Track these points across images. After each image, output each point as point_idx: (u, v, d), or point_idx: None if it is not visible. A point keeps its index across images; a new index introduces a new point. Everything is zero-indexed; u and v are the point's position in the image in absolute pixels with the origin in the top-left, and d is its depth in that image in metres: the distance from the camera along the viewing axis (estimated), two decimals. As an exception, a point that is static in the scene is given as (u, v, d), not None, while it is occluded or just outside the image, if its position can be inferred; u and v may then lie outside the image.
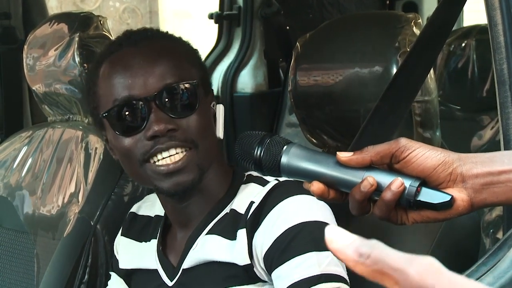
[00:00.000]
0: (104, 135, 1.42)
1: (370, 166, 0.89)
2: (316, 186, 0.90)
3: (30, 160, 2.05)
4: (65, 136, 2.00)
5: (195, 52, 1.44)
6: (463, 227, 1.39)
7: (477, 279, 0.88)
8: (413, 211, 0.88)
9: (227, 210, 1.35)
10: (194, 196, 1.35)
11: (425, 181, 0.87)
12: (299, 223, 1.24)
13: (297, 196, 1.27)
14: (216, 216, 1.35)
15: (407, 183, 0.86)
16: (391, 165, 0.89)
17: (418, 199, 0.86)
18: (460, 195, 0.86)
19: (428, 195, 0.86)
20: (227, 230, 1.31)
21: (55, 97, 2.01)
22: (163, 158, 1.29)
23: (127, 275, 1.49)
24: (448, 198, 0.85)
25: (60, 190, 1.93)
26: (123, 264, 1.50)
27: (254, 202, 1.30)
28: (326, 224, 1.25)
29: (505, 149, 1.01)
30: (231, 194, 1.36)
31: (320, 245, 1.22)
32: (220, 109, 1.42)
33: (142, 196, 1.81)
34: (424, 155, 0.87)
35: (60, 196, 1.93)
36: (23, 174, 2.04)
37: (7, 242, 2.01)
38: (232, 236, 1.30)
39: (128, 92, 1.31)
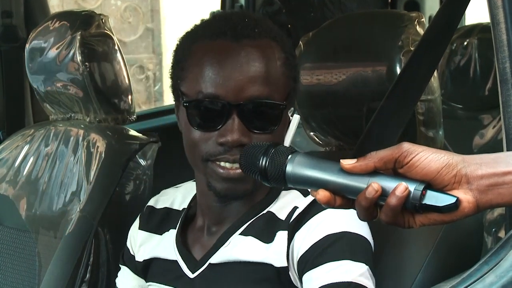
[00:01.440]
0: (176, 104, 1.38)
1: (374, 172, 0.89)
2: (322, 194, 0.90)
3: (31, 159, 2.05)
4: (67, 135, 2.00)
5: (294, 58, 1.38)
6: (466, 226, 1.39)
7: (479, 278, 0.88)
8: (420, 214, 0.88)
9: (264, 212, 1.34)
10: (235, 199, 1.35)
11: (430, 184, 0.87)
12: (340, 232, 1.24)
13: None
14: (252, 218, 1.34)
15: (412, 187, 0.86)
16: (395, 169, 0.89)
17: (423, 202, 0.86)
18: (465, 196, 0.86)
19: (433, 198, 0.86)
20: (263, 232, 1.31)
21: (56, 95, 2.01)
22: (225, 166, 1.28)
23: (146, 264, 1.48)
24: (453, 200, 0.85)
25: (61, 189, 1.94)
26: (140, 257, 1.49)
27: (297, 208, 1.29)
28: (365, 239, 1.26)
29: (508, 148, 1.00)
30: (271, 198, 1.35)
31: (356, 256, 1.22)
32: (295, 120, 1.39)
33: (143, 195, 1.82)
34: (428, 158, 0.86)
35: (61, 194, 1.93)
36: (24, 173, 2.04)
37: (9, 240, 2.01)
38: (268, 239, 1.29)
39: (215, 90, 1.27)
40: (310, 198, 1.29)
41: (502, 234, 2.16)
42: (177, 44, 1.39)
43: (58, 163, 1.98)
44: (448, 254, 1.33)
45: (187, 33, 1.37)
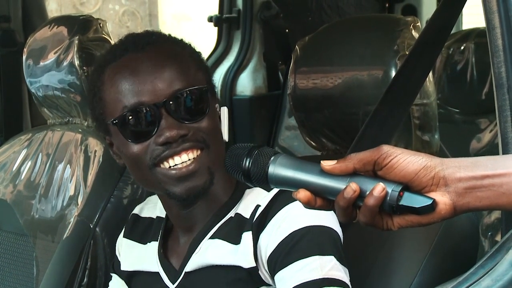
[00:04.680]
0: (108, 140, 1.41)
1: (354, 173, 0.90)
2: (303, 193, 0.91)
3: (29, 163, 2.05)
4: (65, 139, 2.00)
5: (199, 55, 1.43)
6: (462, 229, 1.39)
7: (475, 281, 0.88)
8: (397, 216, 0.89)
9: (231, 214, 1.35)
10: (200, 201, 1.35)
11: (407, 186, 0.88)
12: (305, 227, 1.24)
13: None
14: (220, 220, 1.35)
15: (390, 188, 0.87)
16: (374, 172, 0.89)
17: (400, 203, 0.87)
18: (442, 198, 0.86)
19: (410, 200, 0.87)
20: (231, 234, 1.31)
21: (54, 100, 2.01)
22: (175, 164, 1.29)
23: (129, 277, 1.49)
24: (429, 201, 0.86)
25: (59, 193, 1.94)
26: (124, 266, 1.50)
27: (260, 206, 1.30)
28: (330, 229, 1.26)
29: (503, 152, 1.01)
30: (236, 198, 1.36)
31: (324, 249, 1.23)
32: (224, 112, 1.42)
33: (141, 199, 1.81)
34: (406, 160, 0.87)
35: (59, 199, 1.93)
36: (22, 177, 2.04)
37: (7, 245, 2.01)
38: (236, 240, 1.30)
39: (138, 98, 1.30)
40: (271, 194, 1.30)
41: (498, 238, 2.16)
42: (88, 84, 1.44)
43: (56, 167, 1.98)
44: (445, 257, 1.34)
45: (93, 70, 1.43)
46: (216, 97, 1.42)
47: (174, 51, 1.37)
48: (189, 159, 1.29)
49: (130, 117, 1.30)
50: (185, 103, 1.31)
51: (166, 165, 1.30)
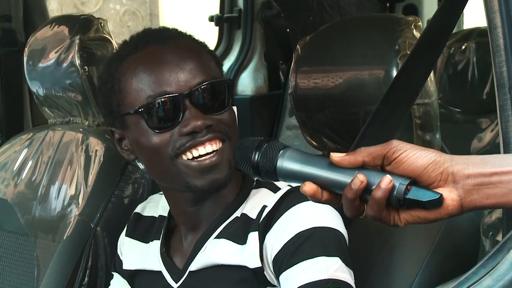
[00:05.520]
0: (118, 134, 1.40)
1: (362, 167, 0.90)
2: (309, 186, 0.92)
3: (30, 163, 2.05)
4: (66, 139, 2.00)
5: (214, 52, 1.46)
6: (463, 229, 1.39)
7: (476, 281, 0.88)
8: (404, 211, 0.89)
9: (237, 214, 1.35)
10: (208, 199, 1.36)
11: (415, 181, 0.88)
12: (310, 228, 1.25)
13: (309, 202, 1.26)
14: (226, 220, 1.35)
15: (397, 182, 0.88)
16: (383, 167, 0.90)
17: (407, 197, 0.87)
18: (450, 194, 0.87)
19: (417, 194, 0.87)
20: (237, 234, 1.32)
21: (55, 99, 2.02)
22: (199, 155, 1.29)
23: (131, 276, 1.49)
24: (437, 196, 0.86)
25: (60, 193, 1.94)
26: (127, 265, 1.50)
27: (266, 206, 1.30)
28: (336, 231, 1.26)
29: (505, 151, 1.01)
30: (242, 198, 1.36)
31: (330, 251, 1.23)
32: (234, 111, 1.43)
33: (142, 198, 1.82)
34: (415, 155, 0.88)
35: (60, 198, 1.93)
36: (23, 177, 2.04)
37: (8, 244, 2.01)
38: (241, 241, 1.30)
39: (163, 88, 1.30)
40: (278, 195, 1.31)
41: (499, 237, 2.16)
42: (102, 76, 1.43)
43: (57, 167, 1.98)
44: (446, 257, 1.34)
45: (109, 62, 1.42)
46: (232, 94, 1.43)
47: (194, 46, 1.39)
48: (212, 150, 1.30)
49: (155, 106, 1.30)
50: (209, 95, 1.32)
51: (188, 155, 1.30)
